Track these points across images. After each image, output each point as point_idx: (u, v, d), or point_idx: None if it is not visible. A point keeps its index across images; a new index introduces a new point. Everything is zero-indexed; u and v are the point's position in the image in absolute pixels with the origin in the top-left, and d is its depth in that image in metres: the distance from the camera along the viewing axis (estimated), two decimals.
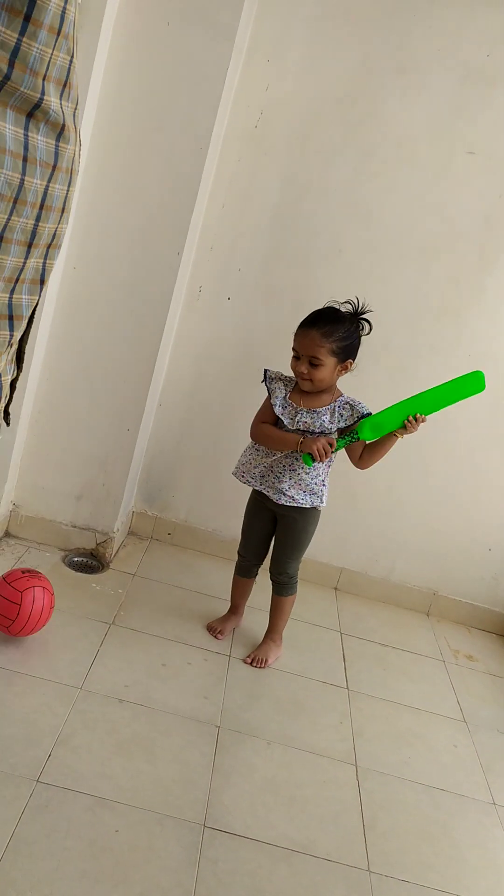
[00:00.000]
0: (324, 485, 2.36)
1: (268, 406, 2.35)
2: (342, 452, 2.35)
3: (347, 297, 2.90)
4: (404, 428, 2.21)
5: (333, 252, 2.85)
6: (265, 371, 2.39)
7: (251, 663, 2.47)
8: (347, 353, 2.24)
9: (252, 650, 2.53)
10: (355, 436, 2.24)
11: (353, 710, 2.39)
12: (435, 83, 2.69)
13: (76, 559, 2.83)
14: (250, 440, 2.41)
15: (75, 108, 1.02)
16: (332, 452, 2.23)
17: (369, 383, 2.99)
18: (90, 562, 2.83)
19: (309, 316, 2.25)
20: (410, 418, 2.19)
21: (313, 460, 2.20)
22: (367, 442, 2.29)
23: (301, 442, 2.23)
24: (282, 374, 2.37)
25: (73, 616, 2.45)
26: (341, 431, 2.30)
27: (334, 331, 2.19)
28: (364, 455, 2.30)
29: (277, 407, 2.31)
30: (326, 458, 2.21)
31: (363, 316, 2.27)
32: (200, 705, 2.20)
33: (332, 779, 2.05)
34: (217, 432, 3.06)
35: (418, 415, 2.19)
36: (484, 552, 3.13)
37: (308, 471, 2.30)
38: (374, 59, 2.68)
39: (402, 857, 1.85)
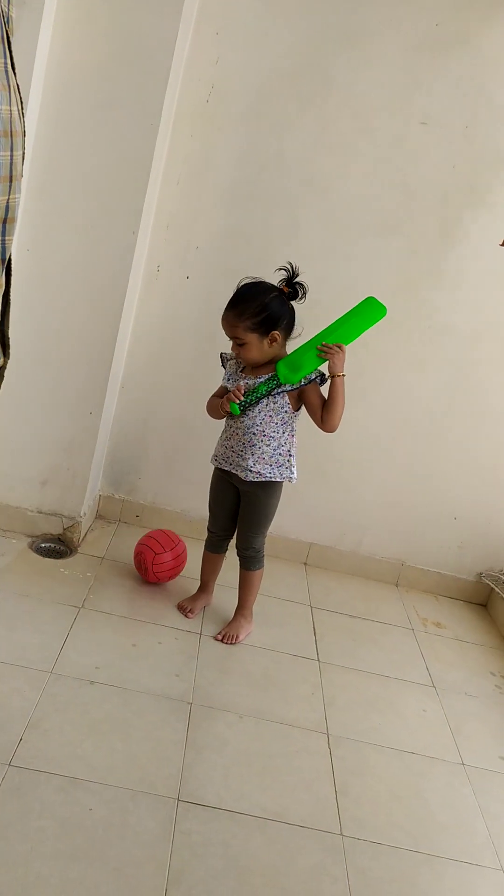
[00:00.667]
0: (290, 455, 2.37)
1: (221, 385, 2.42)
2: (308, 423, 2.36)
3: (306, 274, 2.91)
4: (323, 360, 2.26)
5: (292, 227, 2.85)
6: (221, 355, 2.44)
7: (222, 640, 2.49)
8: (269, 324, 2.24)
9: (223, 627, 2.55)
10: (274, 377, 2.28)
11: (324, 681, 2.42)
12: (387, 53, 2.68)
13: (43, 545, 2.82)
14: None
15: (4, 63, 0.94)
16: (254, 396, 2.28)
17: None
18: (58, 547, 2.82)
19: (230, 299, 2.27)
20: (324, 344, 2.25)
21: (239, 408, 2.30)
22: (294, 387, 2.30)
23: (224, 397, 2.33)
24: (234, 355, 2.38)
25: (42, 601, 2.45)
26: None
27: (245, 309, 2.22)
28: (323, 414, 2.31)
29: (225, 381, 2.41)
30: (238, 398, 2.27)
31: (296, 281, 2.29)
32: (172, 683, 2.22)
33: (303, 748, 2.08)
34: (181, 412, 3.05)
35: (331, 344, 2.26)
36: (449, 521, 3.17)
37: (268, 442, 2.32)
38: (325, 30, 2.66)
39: (374, 820, 1.89)
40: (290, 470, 2.39)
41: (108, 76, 2.41)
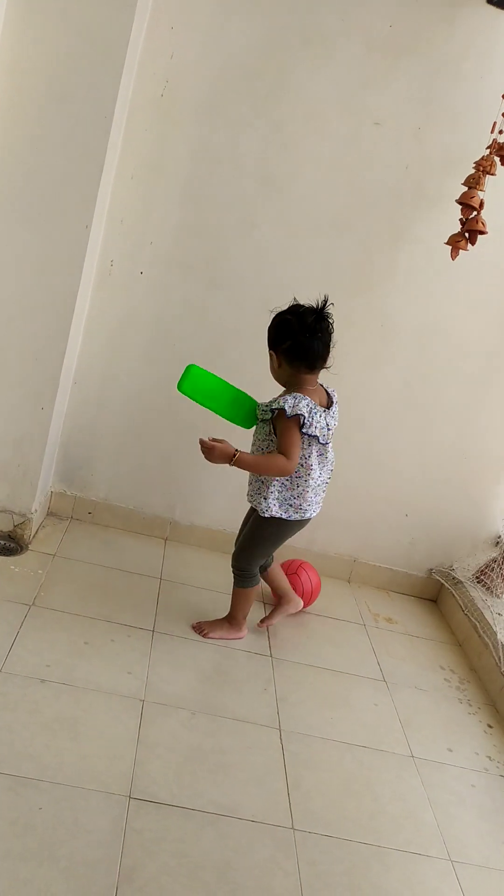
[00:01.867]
0: (267, 488, 2.36)
1: None
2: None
3: (260, 273, 2.92)
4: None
5: (245, 226, 2.85)
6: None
7: (193, 628, 2.55)
8: (270, 343, 2.35)
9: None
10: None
11: (276, 676, 2.43)
12: (341, 54, 2.70)
13: None
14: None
15: None
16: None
17: None
18: (8, 544, 2.78)
19: None
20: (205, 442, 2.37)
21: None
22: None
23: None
24: None
25: None
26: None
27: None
28: None
29: None
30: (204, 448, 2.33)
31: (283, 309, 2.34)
32: (124, 680, 2.21)
33: (256, 743, 2.09)
34: (134, 409, 3.03)
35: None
36: (401, 518, 3.22)
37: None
38: (280, 29, 2.67)
39: (326, 814, 1.90)
40: (265, 503, 2.36)
41: (62, 69, 2.38)
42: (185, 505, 3.16)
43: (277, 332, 2.33)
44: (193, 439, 3.06)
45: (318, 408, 2.30)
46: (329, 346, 2.33)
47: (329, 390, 2.43)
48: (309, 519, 2.45)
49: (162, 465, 3.11)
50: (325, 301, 2.32)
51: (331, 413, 2.36)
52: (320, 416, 2.30)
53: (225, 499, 3.15)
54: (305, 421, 2.25)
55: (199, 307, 2.94)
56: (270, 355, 2.35)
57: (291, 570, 2.89)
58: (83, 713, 2.02)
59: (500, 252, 2.88)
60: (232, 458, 2.28)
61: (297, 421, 2.25)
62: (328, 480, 2.47)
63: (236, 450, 2.29)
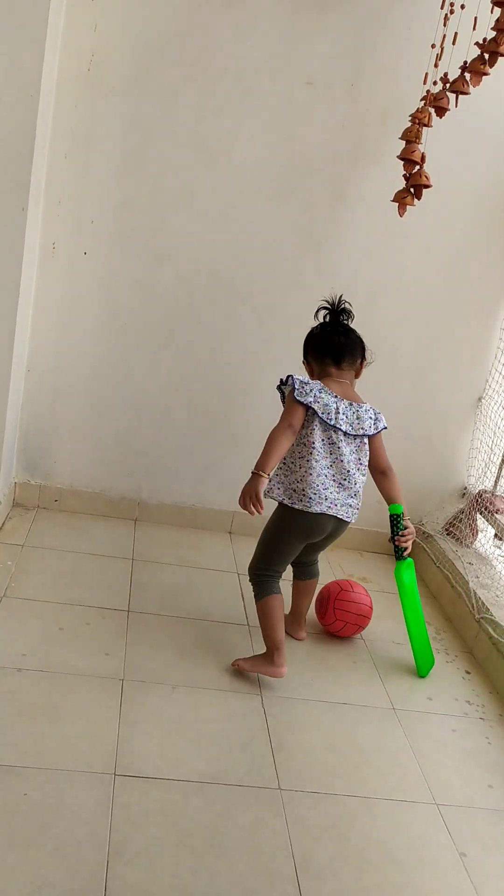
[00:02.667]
0: (275, 475, 2.25)
1: None
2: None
3: (206, 243, 2.89)
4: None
5: (185, 196, 2.82)
6: None
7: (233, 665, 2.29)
8: (304, 355, 2.36)
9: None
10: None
11: (255, 644, 2.44)
12: (265, 14, 2.66)
13: None
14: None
15: None
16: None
17: (239, 327, 3.01)
18: None
19: None
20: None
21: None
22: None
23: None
24: None
25: None
26: None
27: None
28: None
29: None
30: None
31: (341, 308, 2.31)
32: (102, 662, 2.21)
33: (238, 711, 2.11)
34: (91, 392, 3.00)
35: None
36: (367, 477, 3.23)
37: None
38: None
39: (311, 771, 1.93)
40: (270, 483, 2.23)
41: None
42: (151, 484, 3.15)
43: (305, 343, 2.34)
44: (153, 417, 3.07)
45: (331, 393, 2.20)
46: (353, 340, 2.28)
47: (369, 405, 2.28)
48: (319, 515, 2.21)
49: (124, 446, 3.10)
50: (339, 299, 2.30)
51: (351, 407, 2.22)
52: (328, 398, 2.18)
53: (191, 474, 3.15)
54: (297, 388, 2.17)
55: (147, 283, 2.91)
56: (304, 367, 2.35)
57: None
58: (62, 697, 2.02)
59: (445, 204, 2.88)
60: (254, 475, 2.14)
61: (292, 387, 2.19)
62: (346, 481, 2.23)
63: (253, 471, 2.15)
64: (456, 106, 2.47)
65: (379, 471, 2.35)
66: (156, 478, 3.14)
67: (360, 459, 2.27)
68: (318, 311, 2.34)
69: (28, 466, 3.08)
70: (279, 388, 2.29)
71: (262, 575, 2.30)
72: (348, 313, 2.32)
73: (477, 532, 3.10)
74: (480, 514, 3.08)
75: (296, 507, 2.21)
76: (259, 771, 1.90)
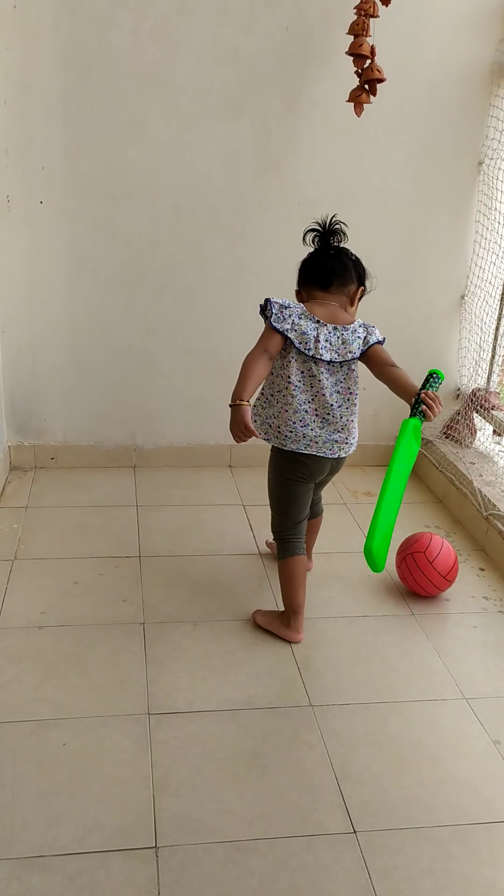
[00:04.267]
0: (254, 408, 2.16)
1: None
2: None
3: (163, 174, 2.79)
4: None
5: (136, 126, 2.71)
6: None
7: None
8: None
9: None
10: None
11: (268, 572, 2.46)
12: None
13: None
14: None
15: None
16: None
17: (210, 257, 2.94)
18: None
19: None
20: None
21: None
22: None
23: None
24: None
25: None
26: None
27: None
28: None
29: None
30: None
31: (331, 228, 2.15)
32: (121, 609, 2.23)
33: (260, 638, 2.13)
34: (70, 344, 2.95)
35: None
36: (360, 393, 3.20)
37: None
38: None
39: (339, 685, 1.97)
40: (253, 419, 2.09)
41: None
42: (145, 429, 3.13)
43: (298, 272, 2.15)
44: (136, 361, 3.02)
45: (312, 318, 2.03)
46: (343, 263, 2.09)
47: (359, 322, 2.10)
48: (301, 455, 2.07)
49: (112, 394, 3.06)
50: (331, 220, 2.13)
51: (336, 331, 2.03)
52: (308, 324, 2.01)
53: (184, 413, 3.12)
54: (276, 312, 2.02)
55: (109, 225, 2.82)
56: (296, 297, 2.16)
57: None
58: (87, 649, 2.05)
59: (402, 97, 2.77)
60: (233, 407, 1.98)
61: (270, 311, 2.03)
62: (329, 415, 2.06)
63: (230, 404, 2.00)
64: None
65: (388, 365, 2.06)
66: (149, 422, 3.12)
67: (348, 388, 2.08)
68: (305, 235, 2.15)
69: (19, 429, 3.06)
70: (262, 313, 2.14)
71: (281, 532, 2.17)
72: (336, 234, 2.12)
73: (475, 431, 3.09)
74: (476, 412, 3.06)
75: (273, 444, 2.11)
76: (289, 692, 1.93)
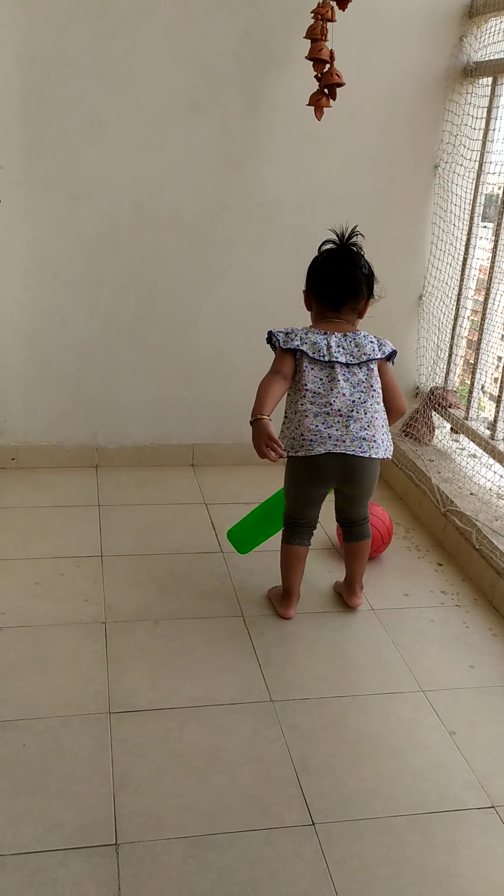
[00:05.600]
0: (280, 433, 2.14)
1: None
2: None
3: (123, 174, 2.79)
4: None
5: (94, 127, 2.71)
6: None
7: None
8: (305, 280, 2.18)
9: None
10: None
11: (230, 570, 2.48)
12: None
13: None
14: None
15: None
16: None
17: (171, 257, 2.94)
18: None
19: None
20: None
21: None
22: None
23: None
24: None
25: None
26: None
27: None
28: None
29: None
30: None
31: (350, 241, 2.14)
32: (82, 608, 2.23)
33: (222, 635, 2.15)
34: (31, 344, 2.94)
35: None
36: None
37: None
38: None
39: (299, 680, 1.99)
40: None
41: None
42: (107, 429, 3.12)
43: (307, 273, 2.14)
44: (98, 361, 3.02)
45: (319, 332, 2.06)
46: (357, 280, 2.09)
47: (362, 332, 2.12)
48: (322, 456, 2.03)
49: (74, 394, 3.05)
50: (353, 231, 2.11)
51: (346, 337, 2.07)
52: (316, 336, 2.05)
53: (146, 413, 3.12)
54: (282, 340, 2.06)
55: (69, 224, 2.82)
56: (303, 296, 2.19)
57: None
58: (48, 649, 2.04)
59: (362, 101, 2.80)
60: (253, 423, 2.02)
61: (277, 341, 2.07)
62: (353, 412, 2.02)
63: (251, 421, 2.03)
64: None
65: (386, 391, 2.13)
66: (111, 422, 3.11)
67: (371, 386, 2.07)
68: (322, 246, 2.13)
69: None
70: (268, 343, 2.14)
71: (288, 520, 2.24)
72: (351, 253, 2.11)
73: (434, 429, 3.15)
74: (435, 410, 3.11)
75: (299, 454, 2.05)
76: (249, 688, 1.95)
